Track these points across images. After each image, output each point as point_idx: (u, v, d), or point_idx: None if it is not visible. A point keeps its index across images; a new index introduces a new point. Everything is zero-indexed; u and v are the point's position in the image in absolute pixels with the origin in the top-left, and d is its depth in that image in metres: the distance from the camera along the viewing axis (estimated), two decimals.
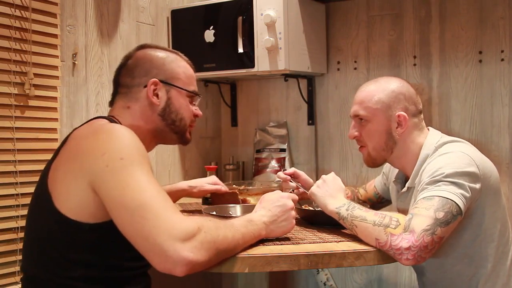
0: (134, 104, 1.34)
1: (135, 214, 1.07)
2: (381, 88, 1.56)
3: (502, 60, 2.02)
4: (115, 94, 1.39)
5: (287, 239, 1.45)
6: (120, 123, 1.30)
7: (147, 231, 1.05)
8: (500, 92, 2.03)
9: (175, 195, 1.81)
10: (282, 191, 1.64)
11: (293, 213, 1.38)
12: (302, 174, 1.77)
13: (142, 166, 1.13)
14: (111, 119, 1.31)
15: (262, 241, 1.42)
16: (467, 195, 1.35)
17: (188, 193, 1.85)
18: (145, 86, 1.33)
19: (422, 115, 1.60)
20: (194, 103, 1.44)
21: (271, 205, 1.36)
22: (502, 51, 2.02)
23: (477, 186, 1.38)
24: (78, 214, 1.15)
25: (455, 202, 1.32)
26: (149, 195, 1.09)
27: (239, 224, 1.25)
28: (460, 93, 2.10)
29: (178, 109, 1.38)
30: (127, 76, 1.36)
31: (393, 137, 1.56)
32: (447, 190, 1.34)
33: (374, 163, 1.63)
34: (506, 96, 2.02)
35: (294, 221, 1.38)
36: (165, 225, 1.05)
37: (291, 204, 1.38)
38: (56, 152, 1.25)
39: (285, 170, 1.80)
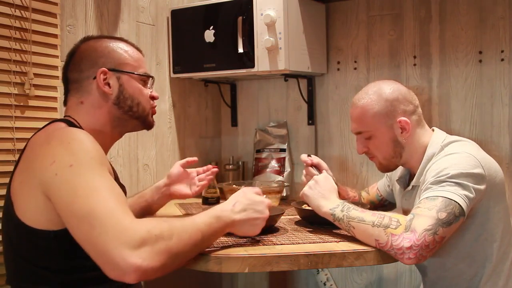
0: (87, 97, 1.32)
1: (83, 222, 1.05)
2: (374, 100, 1.55)
3: (502, 60, 2.02)
4: (66, 92, 1.36)
5: (287, 238, 1.45)
6: (78, 123, 1.29)
7: (95, 238, 1.03)
8: (500, 92, 2.03)
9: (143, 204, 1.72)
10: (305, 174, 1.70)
11: (264, 222, 1.35)
12: (325, 166, 1.75)
13: (93, 172, 1.11)
14: (68, 121, 1.29)
15: (262, 241, 1.42)
16: (471, 196, 1.35)
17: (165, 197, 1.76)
18: (95, 78, 1.31)
19: (419, 109, 1.59)
20: (148, 86, 1.41)
21: (249, 205, 1.33)
22: (502, 51, 2.02)
23: (482, 187, 1.38)
24: (40, 222, 1.14)
25: (458, 203, 1.32)
26: (96, 201, 1.06)
27: (201, 221, 1.20)
28: (460, 93, 2.10)
29: (133, 94, 1.35)
30: (74, 71, 1.34)
31: (400, 143, 1.55)
32: (451, 191, 1.34)
33: (387, 169, 1.64)
34: (506, 96, 2.02)
35: (259, 230, 1.35)
36: (112, 232, 1.02)
37: (266, 213, 1.35)
38: (18, 160, 1.25)
39: (310, 156, 1.76)
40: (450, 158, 1.43)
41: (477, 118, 2.07)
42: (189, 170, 1.80)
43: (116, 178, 1.37)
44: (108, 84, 1.32)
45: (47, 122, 1.30)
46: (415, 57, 2.18)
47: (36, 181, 1.13)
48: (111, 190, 1.10)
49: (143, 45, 2.18)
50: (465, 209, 1.33)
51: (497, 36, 2.03)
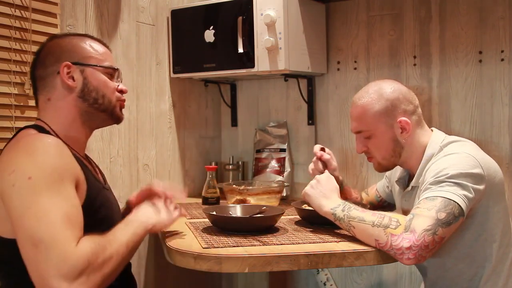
0: (53, 93, 1.32)
1: (28, 243, 1.07)
2: (375, 99, 1.54)
3: (502, 60, 2.02)
4: (35, 91, 1.36)
5: (287, 238, 1.45)
6: (49, 126, 1.29)
7: (36, 262, 1.05)
8: (500, 92, 2.03)
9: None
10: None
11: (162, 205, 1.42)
12: (333, 165, 1.73)
13: (50, 188, 1.11)
14: (38, 126, 1.29)
15: (262, 241, 1.42)
16: (470, 196, 1.35)
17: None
18: (59, 72, 1.31)
19: (419, 109, 1.59)
20: (115, 79, 1.40)
21: (143, 207, 1.39)
22: (502, 51, 2.02)
23: (481, 187, 1.38)
24: (3, 230, 1.15)
25: (457, 203, 1.32)
26: (46, 225, 1.07)
27: (120, 233, 1.23)
28: (460, 93, 2.10)
29: (97, 87, 1.35)
30: (40, 68, 1.34)
31: (399, 143, 1.55)
32: (450, 191, 1.33)
33: (386, 169, 1.63)
34: (506, 96, 2.02)
35: (171, 213, 1.43)
36: (55, 260, 1.04)
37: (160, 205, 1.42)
38: None
39: (324, 149, 1.75)
40: (449, 159, 1.43)
41: (477, 118, 2.07)
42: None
43: (93, 176, 1.36)
44: (72, 78, 1.32)
45: (20, 128, 1.31)
46: (415, 57, 2.18)
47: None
48: (62, 213, 1.10)
49: (143, 45, 2.18)
50: (464, 209, 1.33)
51: (497, 36, 2.03)
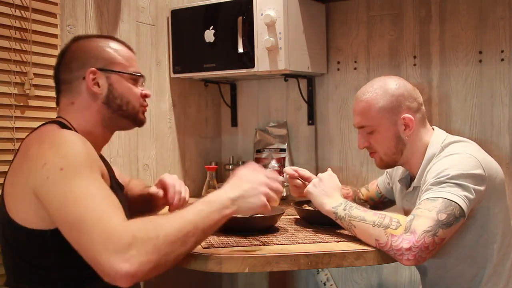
0: (77, 98, 1.32)
1: (73, 228, 1.07)
2: (380, 95, 1.53)
3: (502, 60, 2.02)
4: (58, 93, 1.36)
5: (287, 238, 1.45)
6: (70, 124, 1.30)
7: (84, 245, 1.06)
8: (500, 92, 2.03)
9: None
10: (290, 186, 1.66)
11: (264, 189, 1.26)
12: (306, 173, 1.69)
13: (82, 176, 1.11)
14: (60, 122, 1.29)
15: (262, 241, 1.42)
16: (471, 197, 1.34)
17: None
18: (84, 78, 1.31)
19: (423, 107, 1.58)
20: (139, 84, 1.40)
21: (240, 180, 1.27)
22: (502, 51, 2.02)
23: (482, 188, 1.38)
24: (33, 222, 1.15)
25: (458, 204, 1.32)
26: (84, 208, 1.07)
27: (192, 212, 1.17)
28: (460, 93, 2.10)
29: (122, 93, 1.34)
30: (65, 72, 1.34)
31: (402, 140, 1.54)
32: (451, 192, 1.33)
33: (387, 166, 1.62)
34: (506, 96, 2.02)
35: (263, 199, 1.25)
36: (99, 239, 1.03)
37: (263, 179, 1.28)
38: (11, 161, 1.26)
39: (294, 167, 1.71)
40: (451, 159, 1.42)
41: (477, 118, 2.07)
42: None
43: (113, 177, 1.37)
44: (98, 84, 1.32)
45: (40, 123, 1.30)
46: (415, 57, 2.18)
47: (27, 182, 1.14)
48: (99, 194, 1.10)
49: (143, 45, 2.18)
50: (465, 210, 1.32)
51: (497, 36, 2.03)
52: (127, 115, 1.37)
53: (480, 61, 2.06)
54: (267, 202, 1.26)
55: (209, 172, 2.12)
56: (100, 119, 1.34)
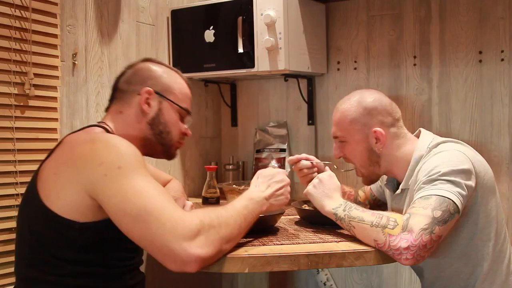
0: (127, 109, 1.38)
1: (138, 219, 1.10)
2: (354, 107, 1.57)
3: (502, 60, 2.02)
4: (111, 100, 1.42)
5: (287, 238, 1.45)
6: (112, 131, 1.35)
7: (152, 234, 1.09)
8: (500, 92, 2.03)
9: None
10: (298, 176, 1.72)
11: (288, 188, 1.44)
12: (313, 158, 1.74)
13: (139, 172, 1.17)
14: (104, 127, 1.34)
15: (262, 241, 1.42)
16: (464, 193, 1.35)
17: None
18: (139, 94, 1.37)
19: (401, 122, 1.60)
20: (184, 121, 1.47)
21: (269, 180, 1.41)
22: (502, 51, 2.02)
23: (472, 183, 1.39)
24: (68, 212, 1.17)
25: (452, 201, 1.32)
26: (148, 198, 1.12)
27: (241, 206, 1.29)
28: (460, 93, 2.10)
29: (167, 122, 1.41)
30: (125, 82, 1.40)
31: (375, 152, 1.57)
32: (444, 189, 1.34)
33: (370, 180, 1.66)
34: (506, 96, 2.02)
35: (289, 196, 1.44)
36: (168, 226, 1.08)
37: (287, 179, 1.44)
38: (50, 153, 1.28)
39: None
40: (440, 156, 1.44)
41: (477, 118, 2.07)
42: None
43: None
44: (149, 104, 1.37)
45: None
46: (415, 57, 2.18)
47: (79, 178, 1.17)
48: (158, 189, 1.16)
49: (143, 45, 2.18)
50: (459, 206, 1.33)
51: (497, 36, 2.03)
52: (163, 143, 1.42)
53: (480, 61, 2.06)
54: (289, 197, 1.44)
55: (209, 172, 2.12)
56: (140, 137, 1.38)
